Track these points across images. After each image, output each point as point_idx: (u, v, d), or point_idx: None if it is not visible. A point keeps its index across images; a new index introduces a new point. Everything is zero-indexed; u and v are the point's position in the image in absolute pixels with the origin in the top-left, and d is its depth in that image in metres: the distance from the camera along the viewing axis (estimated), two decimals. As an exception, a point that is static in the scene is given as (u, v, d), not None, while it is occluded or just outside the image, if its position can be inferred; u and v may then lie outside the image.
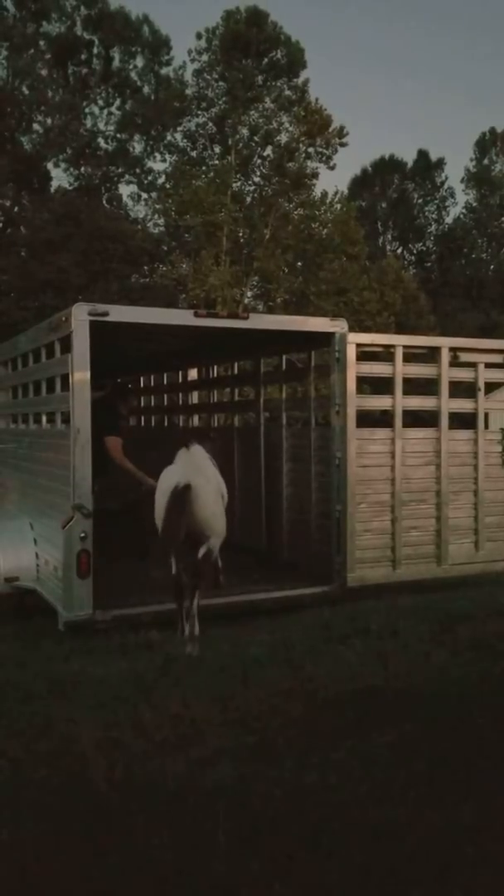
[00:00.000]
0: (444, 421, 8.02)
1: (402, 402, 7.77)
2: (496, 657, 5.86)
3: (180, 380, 12.02)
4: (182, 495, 6.34)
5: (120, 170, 33.76)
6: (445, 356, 8.01)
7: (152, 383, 13.12)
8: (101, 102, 32.97)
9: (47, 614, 6.89)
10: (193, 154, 33.98)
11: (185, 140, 34.09)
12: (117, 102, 33.09)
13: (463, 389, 8.45)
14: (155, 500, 6.64)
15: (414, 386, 8.11)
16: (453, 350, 8.14)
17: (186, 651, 6.19)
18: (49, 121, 31.13)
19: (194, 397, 11.93)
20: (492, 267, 46.35)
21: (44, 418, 8.06)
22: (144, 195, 34.15)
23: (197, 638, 6.35)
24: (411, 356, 8.12)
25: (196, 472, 6.61)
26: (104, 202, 32.71)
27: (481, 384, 8.28)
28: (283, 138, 32.55)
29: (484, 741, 4.46)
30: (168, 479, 6.64)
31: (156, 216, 33.56)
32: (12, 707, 4.99)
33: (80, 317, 6.52)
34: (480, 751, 4.33)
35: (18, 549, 7.73)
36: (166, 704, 4.92)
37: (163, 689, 5.19)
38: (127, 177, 34.09)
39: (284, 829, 3.54)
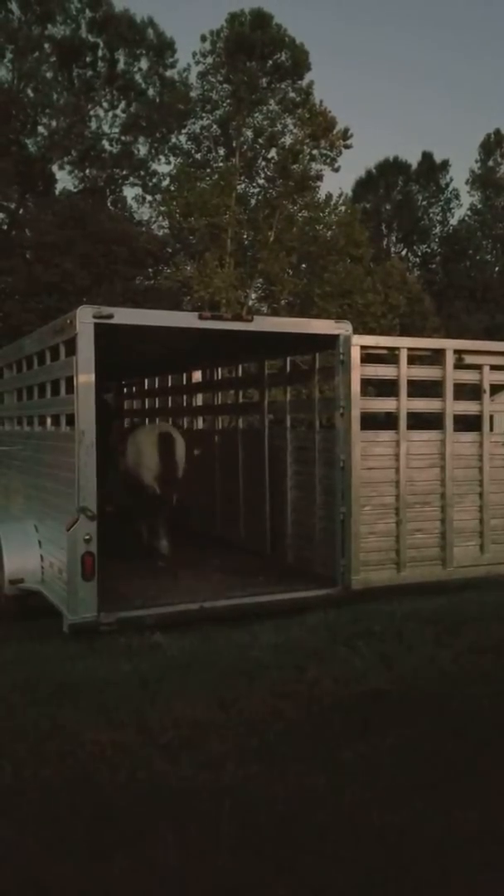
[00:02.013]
0: (449, 423, 8.01)
1: (406, 405, 7.76)
2: (500, 659, 5.85)
3: (184, 382, 12.04)
4: (167, 440, 8.76)
5: (124, 172, 33.72)
6: (450, 358, 8.00)
7: (156, 385, 13.14)
8: (105, 105, 32.93)
9: (52, 616, 6.90)
10: (198, 156, 33.94)
11: (189, 142, 34.07)
12: (122, 105, 33.05)
13: (468, 392, 8.44)
14: (141, 455, 8.72)
15: (418, 388, 8.10)
16: (458, 352, 8.13)
17: (159, 565, 8.53)
18: (54, 123, 31.11)
19: (198, 399, 11.94)
20: (496, 269, 46.20)
21: (49, 421, 8.07)
22: (149, 197, 34.11)
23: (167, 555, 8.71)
24: (416, 358, 8.11)
25: (168, 426, 9.56)
26: (108, 204, 32.66)
27: (486, 386, 8.27)
28: (287, 140, 32.48)
29: (489, 744, 4.45)
30: (149, 433, 9.10)
31: (160, 218, 33.55)
32: (17, 709, 5.00)
33: (84, 319, 6.52)
34: (485, 754, 4.33)
35: (23, 552, 7.74)
36: (170, 707, 4.92)
37: (167, 692, 5.20)
38: (131, 179, 34.05)
39: (288, 832, 3.54)
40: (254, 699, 5.04)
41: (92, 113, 32.53)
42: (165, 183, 33.48)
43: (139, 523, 9.32)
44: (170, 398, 12.99)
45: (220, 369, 11.02)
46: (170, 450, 8.75)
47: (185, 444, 9.08)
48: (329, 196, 33.61)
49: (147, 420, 13.58)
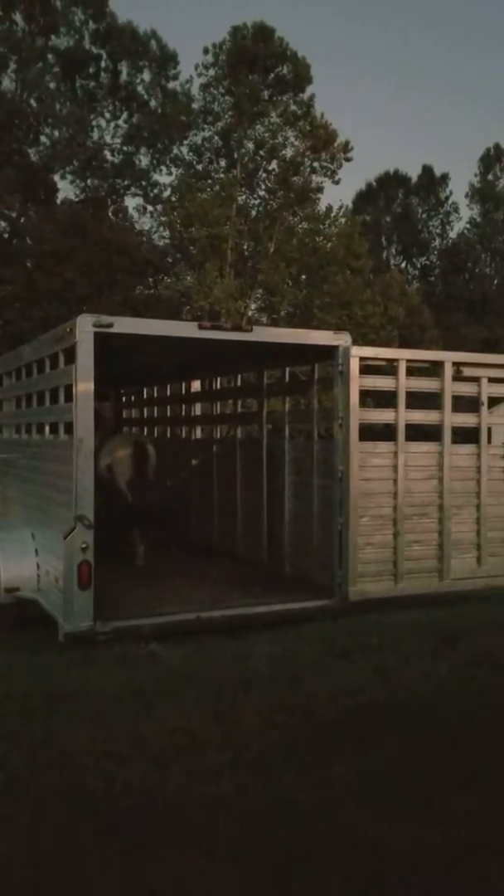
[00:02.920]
0: (447, 435, 8.01)
1: (404, 416, 7.77)
2: (497, 672, 5.83)
3: (184, 391, 12.05)
4: (143, 449, 9.52)
5: (126, 182, 33.87)
6: (449, 370, 8.01)
7: (156, 395, 13.15)
8: (108, 115, 33.10)
9: (48, 625, 6.88)
10: (199, 167, 34.09)
11: (190, 153, 34.22)
12: (124, 115, 33.22)
13: (466, 404, 8.45)
14: (116, 463, 9.33)
15: (417, 400, 8.11)
16: (457, 364, 8.15)
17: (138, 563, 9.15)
18: (56, 133, 31.29)
19: (197, 409, 11.94)
20: (495, 282, 46.41)
21: (47, 429, 8.07)
22: (150, 208, 34.25)
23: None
24: (414, 370, 8.13)
25: (143, 437, 10.79)
26: (110, 214, 32.76)
27: (484, 398, 8.28)
28: (288, 152, 32.61)
29: (485, 757, 4.44)
30: (124, 443, 9.88)
31: (161, 228, 33.67)
32: (12, 718, 4.98)
33: (84, 328, 6.53)
34: (481, 767, 4.31)
35: (20, 560, 7.71)
36: (166, 717, 4.90)
37: (162, 702, 5.17)
38: (133, 189, 34.20)
39: (283, 844, 3.51)
40: (250, 710, 5.02)
41: (94, 123, 32.71)
42: (167, 193, 33.67)
43: (115, 530, 9.39)
44: (169, 407, 13.00)
45: (219, 379, 11.03)
46: (143, 460, 9.42)
47: (157, 455, 9.92)
48: (329, 208, 33.77)
49: (145, 429, 13.61)
